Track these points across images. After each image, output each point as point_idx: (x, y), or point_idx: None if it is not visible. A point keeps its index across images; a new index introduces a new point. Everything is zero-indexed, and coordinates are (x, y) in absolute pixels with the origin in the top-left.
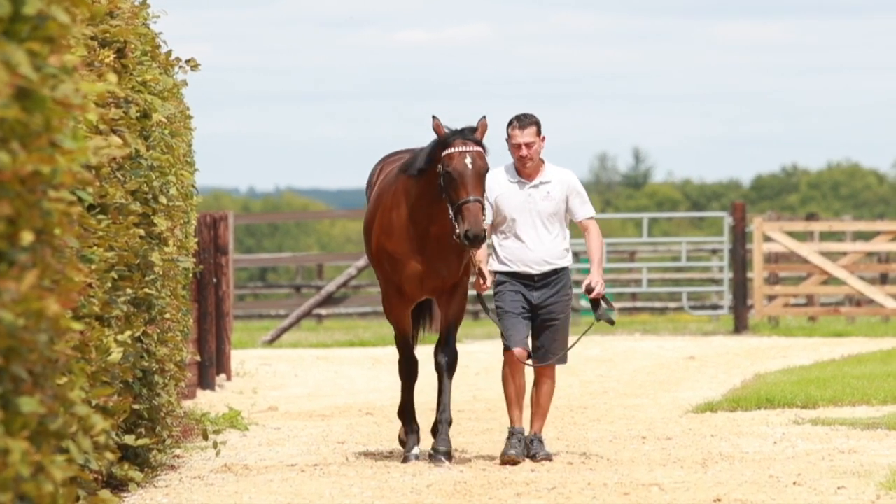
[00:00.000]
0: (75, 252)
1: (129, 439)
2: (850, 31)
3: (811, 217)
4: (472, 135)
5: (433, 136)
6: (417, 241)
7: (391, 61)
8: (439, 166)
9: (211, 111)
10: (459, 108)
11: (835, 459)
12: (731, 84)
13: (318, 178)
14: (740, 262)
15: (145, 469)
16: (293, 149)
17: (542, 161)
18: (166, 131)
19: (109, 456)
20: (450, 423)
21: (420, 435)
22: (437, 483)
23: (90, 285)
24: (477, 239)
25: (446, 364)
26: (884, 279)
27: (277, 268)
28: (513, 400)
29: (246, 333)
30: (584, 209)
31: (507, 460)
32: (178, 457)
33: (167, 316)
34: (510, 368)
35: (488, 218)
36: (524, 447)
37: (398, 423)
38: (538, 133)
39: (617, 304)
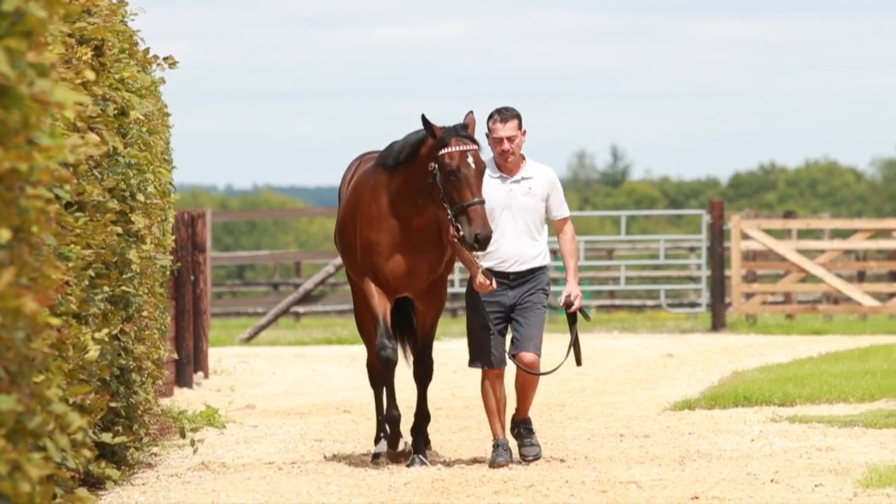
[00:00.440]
0: (53, 250)
1: (106, 437)
2: (829, 30)
3: (789, 215)
4: (465, 132)
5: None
6: (400, 233)
7: (371, 59)
8: (433, 164)
9: (189, 109)
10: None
11: (812, 457)
12: (709, 82)
13: (297, 176)
14: (718, 259)
15: (122, 467)
16: (271, 147)
17: (522, 157)
18: (144, 129)
19: (86, 454)
20: (429, 420)
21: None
22: (414, 481)
23: (67, 283)
24: (487, 241)
25: (423, 377)
26: (861, 277)
27: (255, 265)
28: (494, 412)
29: (223, 331)
30: (562, 209)
31: (498, 466)
32: (155, 455)
33: (145, 314)
34: (489, 381)
35: None
36: (510, 454)
37: (376, 421)
38: (519, 127)
39: (595, 302)
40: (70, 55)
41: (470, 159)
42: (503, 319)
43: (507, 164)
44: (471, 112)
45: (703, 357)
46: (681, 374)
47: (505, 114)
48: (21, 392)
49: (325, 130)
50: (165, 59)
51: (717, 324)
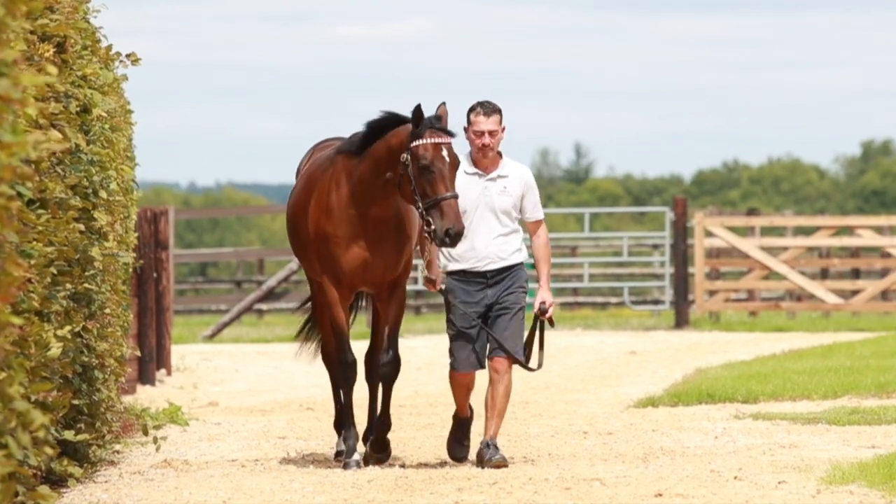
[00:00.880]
0: (14, 247)
1: (68, 435)
2: (791, 27)
3: (752, 212)
4: (439, 123)
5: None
6: (359, 224)
7: (333, 56)
8: (405, 156)
9: (152, 106)
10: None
11: (775, 454)
12: (673, 80)
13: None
14: (681, 257)
15: (85, 465)
16: (234, 144)
17: (499, 153)
18: (106, 126)
19: (49, 451)
20: (390, 428)
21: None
22: (378, 478)
23: (29, 280)
24: (458, 237)
25: (389, 374)
26: (824, 274)
27: (218, 263)
28: (465, 392)
29: (186, 328)
30: (536, 211)
31: (460, 461)
32: (117, 452)
33: (107, 311)
34: (456, 389)
35: None
36: (468, 451)
37: (335, 410)
38: (500, 122)
39: (558, 300)
40: (32, 52)
41: (444, 152)
42: (478, 320)
43: (485, 159)
44: (443, 104)
45: (666, 354)
46: (644, 371)
47: (488, 107)
48: None
49: (289, 128)
50: (128, 55)
51: (681, 321)
